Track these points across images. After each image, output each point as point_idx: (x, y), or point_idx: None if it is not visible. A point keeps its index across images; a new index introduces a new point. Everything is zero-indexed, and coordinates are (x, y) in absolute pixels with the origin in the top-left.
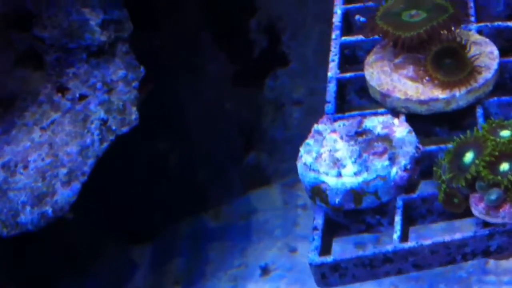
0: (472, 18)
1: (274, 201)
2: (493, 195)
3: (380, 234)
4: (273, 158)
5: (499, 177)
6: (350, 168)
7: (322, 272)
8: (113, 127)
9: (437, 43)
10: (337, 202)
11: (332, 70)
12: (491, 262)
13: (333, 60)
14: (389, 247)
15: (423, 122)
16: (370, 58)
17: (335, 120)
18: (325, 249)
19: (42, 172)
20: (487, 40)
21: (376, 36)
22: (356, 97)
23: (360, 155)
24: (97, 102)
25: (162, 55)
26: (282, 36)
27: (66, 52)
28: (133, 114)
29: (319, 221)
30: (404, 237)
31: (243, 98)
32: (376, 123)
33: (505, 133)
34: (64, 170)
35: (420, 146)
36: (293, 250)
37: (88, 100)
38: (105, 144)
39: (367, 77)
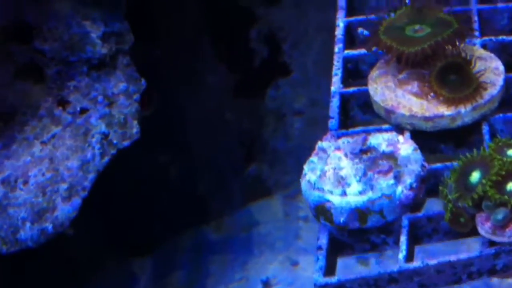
0: (476, 33)
1: (275, 213)
2: (500, 214)
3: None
4: (274, 169)
5: (506, 197)
6: (355, 186)
7: None
8: (114, 141)
9: (442, 58)
10: (341, 221)
11: (335, 84)
12: (495, 279)
13: (336, 74)
14: (395, 267)
15: (428, 138)
16: (374, 73)
17: (339, 136)
18: (329, 268)
19: (43, 187)
20: (492, 55)
21: (380, 51)
22: (359, 112)
23: (365, 174)
24: (98, 115)
25: (163, 66)
26: (283, 46)
27: (66, 65)
28: (134, 128)
29: (323, 241)
30: (409, 257)
31: (244, 108)
32: (380, 140)
33: None
34: (64, 185)
35: (426, 164)
36: (294, 264)
37: (89, 114)
38: (106, 159)
39: (371, 92)
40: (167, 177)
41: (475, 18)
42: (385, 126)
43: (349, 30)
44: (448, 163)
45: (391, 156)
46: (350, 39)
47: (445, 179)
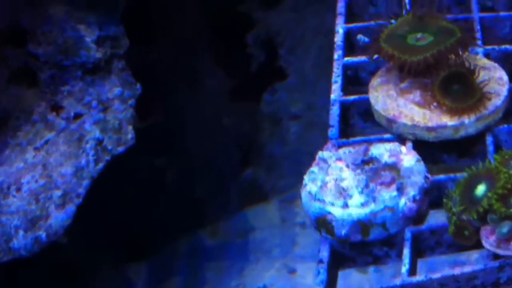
0: (479, 42)
1: (272, 218)
2: (505, 228)
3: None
4: (270, 174)
5: (511, 210)
6: (357, 198)
7: None
8: (109, 147)
9: (445, 68)
10: (343, 234)
11: (335, 92)
12: None
13: (336, 82)
14: (397, 281)
15: (431, 149)
16: (375, 81)
17: (339, 145)
18: (331, 282)
19: (36, 195)
20: (496, 65)
21: (381, 59)
22: (360, 121)
23: (367, 185)
24: (92, 121)
25: (160, 70)
26: (280, 50)
27: (60, 69)
28: (129, 134)
29: (324, 254)
30: (412, 270)
31: (241, 112)
32: (383, 151)
33: None
34: (58, 192)
35: (429, 175)
36: (292, 271)
37: (83, 119)
38: (100, 165)
39: (372, 101)
40: (164, 181)
41: (477, 26)
42: (387, 135)
43: (349, 36)
44: (451, 175)
45: (393, 167)
46: (350, 46)
47: (450, 192)
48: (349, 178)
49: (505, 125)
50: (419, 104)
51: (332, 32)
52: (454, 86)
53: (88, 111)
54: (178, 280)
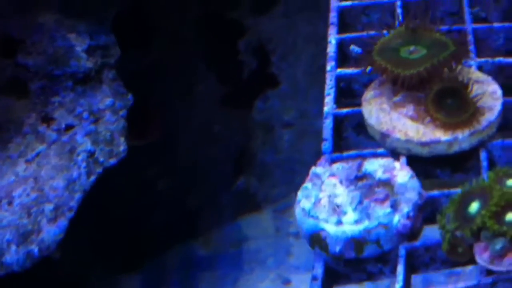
0: (472, 55)
1: (265, 228)
2: (498, 244)
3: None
4: (263, 183)
5: (505, 228)
6: (350, 215)
7: None
8: (101, 159)
9: (438, 81)
10: (337, 250)
11: (328, 105)
12: None
13: (329, 94)
14: None
15: (424, 164)
16: (368, 94)
17: (333, 160)
18: None
19: (28, 208)
20: (489, 78)
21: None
22: (353, 134)
23: (361, 202)
24: (83, 132)
25: (152, 77)
26: (272, 57)
27: (51, 79)
28: (121, 145)
29: (318, 270)
30: (406, 287)
31: (233, 120)
32: (376, 166)
33: (511, 182)
34: (50, 206)
35: (423, 192)
36: (287, 282)
37: (75, 131)
38: (92, 178)
39: (365, 115)
40: (155, 191)
41: (471, 38)
42: (380, 150)
43: (341, 47)
44: (445, 191)
45: (387, 183)
46: (343, 56)
47: (443, 209)
48: (343, 194)
49: (499, 140)
50: (412, 118)
51: (324, 39)
52: (448, 100)
53: (79, 122)
54: None
